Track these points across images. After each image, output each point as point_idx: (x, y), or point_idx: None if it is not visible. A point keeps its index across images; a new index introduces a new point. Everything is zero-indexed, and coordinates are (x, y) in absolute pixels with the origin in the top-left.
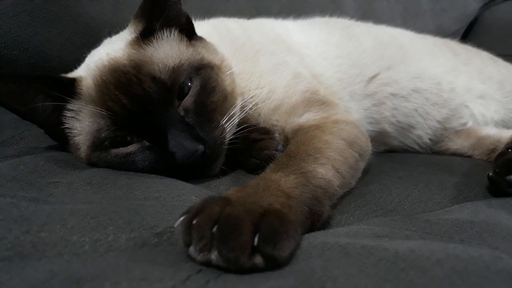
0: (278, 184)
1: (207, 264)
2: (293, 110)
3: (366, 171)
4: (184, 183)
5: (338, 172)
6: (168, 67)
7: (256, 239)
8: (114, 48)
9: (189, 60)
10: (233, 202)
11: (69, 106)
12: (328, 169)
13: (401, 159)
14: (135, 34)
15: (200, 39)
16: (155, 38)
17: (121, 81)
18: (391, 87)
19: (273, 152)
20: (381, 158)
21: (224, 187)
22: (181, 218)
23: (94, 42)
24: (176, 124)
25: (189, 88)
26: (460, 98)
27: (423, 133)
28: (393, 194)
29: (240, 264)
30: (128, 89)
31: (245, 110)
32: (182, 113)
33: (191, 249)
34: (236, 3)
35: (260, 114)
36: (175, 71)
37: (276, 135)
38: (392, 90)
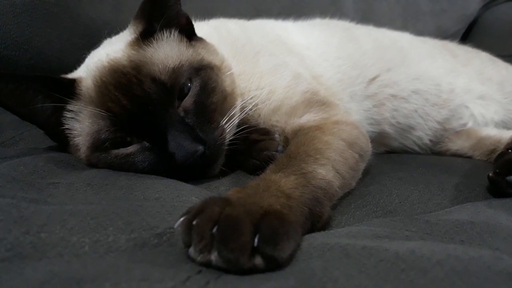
0: (278, 184)
1: (207, 265)
2: (293, 110)
3: (366, 172)
4: (184, 183)
5: (338, 173)
6: (168, 68)
7: (256, 240)
8: (114, 49)
9: (189, 60)
10: (233, 203)
11: (69, 107)
12: (328, 170)
13: (401, 160)
14: (135, 35)
15: (200, 40)
16: (155, 39)
17: (121, 82)
18: (391, 88)
19: (273, 153)
20: (381, 159)
21: (224, 187)
22: (181, 219)
23: (94, 43)
24: (176, 124)
25: (189, 88)
26: (460, 98)
27: (423, 134)
28: (393, 195)
29: (240, 265)
30: (128, 90)
31: (245, 111)
32: (182, 114)
33: (191, 250)
34: (237, 4)
35: (260, 115)
36: (175, 72)
37: (276, 136)
38: (392, 92)
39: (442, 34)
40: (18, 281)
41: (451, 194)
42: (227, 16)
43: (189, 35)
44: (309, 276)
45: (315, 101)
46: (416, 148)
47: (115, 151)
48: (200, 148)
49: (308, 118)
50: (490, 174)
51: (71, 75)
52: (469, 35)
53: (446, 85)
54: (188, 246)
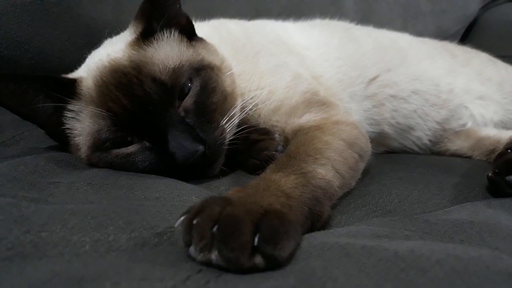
0: (278, 184)
1: (208, 264)
2: (293, 111)
3: (365, 171)
4: (184, 183)
5: (338, 172)
6: (169, 68)
7: (256, 239)
8: (114, 49)
9: (189, 61)
10: (234, 202)
11: (70, 107)
12: (328, 170)
13: (401, 160)
14: (135, 35)
15: (201, 40)
16: (155, 39)
17: (122, 82)
18: (391, 88)
19: (273, 153)
20: (380, 159)
21: (224, 187)
22: (182, 218)
23: (95, 43)
24: (176, 124)
25: (189, 88)
26: (459, 99)
27: (422, 134)
28: (392, 195)
29: (240, 264)
30: (128, 90)
31: (245, 111)
32: (182, 114)
33: (192, 249)
34: (237, 4)
35: (260, 115)
36: (176, 72)
37: (276, 135)
38: (392, 92)
39: (442, 34)
40: (19, 280)
41: (451, 193)
42: (227, 16)
43: (190, 35)
44: (309, 275)
45: (315, 101)
46: (416, 148)
47: (116, 151)
48: (201, 148)
49: (308, 118)
50: (490, 174)
51: (71, 75)
52: (468, 35)
53: (446, 86)
54: (188, 245)
